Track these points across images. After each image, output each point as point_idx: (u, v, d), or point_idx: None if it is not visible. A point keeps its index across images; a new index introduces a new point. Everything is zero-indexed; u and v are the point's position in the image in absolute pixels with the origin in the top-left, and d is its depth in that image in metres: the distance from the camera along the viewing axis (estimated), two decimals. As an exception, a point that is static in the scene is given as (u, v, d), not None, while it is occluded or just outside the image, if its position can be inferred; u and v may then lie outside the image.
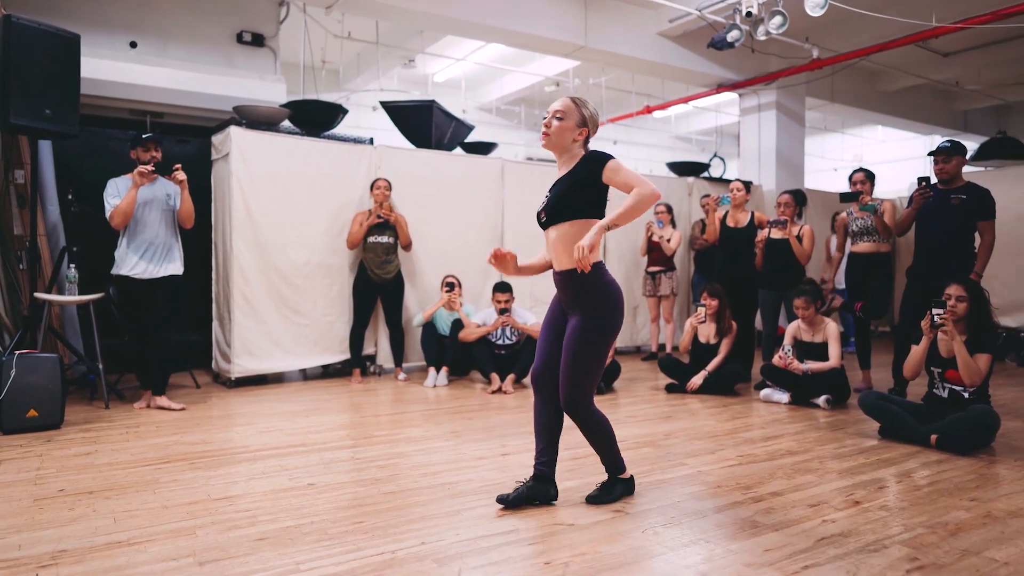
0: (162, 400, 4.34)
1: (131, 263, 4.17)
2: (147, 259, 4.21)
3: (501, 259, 2.64)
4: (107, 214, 4.13)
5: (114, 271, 4.22)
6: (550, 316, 2.64)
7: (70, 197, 5.42)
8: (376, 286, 5.43)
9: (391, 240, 5.43)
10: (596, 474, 2.97)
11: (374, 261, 5.37)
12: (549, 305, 2.68)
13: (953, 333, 3.42)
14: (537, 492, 2.59)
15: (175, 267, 4.33)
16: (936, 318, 3.45)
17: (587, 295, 2.47)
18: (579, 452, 3.34)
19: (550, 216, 2.53)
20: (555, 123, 2.51)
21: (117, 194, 4.14)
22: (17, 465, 3.08)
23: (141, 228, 4.19)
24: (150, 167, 4.08)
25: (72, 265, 4.47)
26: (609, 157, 2.46)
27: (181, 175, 4.21)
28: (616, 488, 2.69)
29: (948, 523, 2.42)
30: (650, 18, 7.35)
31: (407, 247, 5.55)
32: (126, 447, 3.41)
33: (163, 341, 4.31)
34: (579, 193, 2.46)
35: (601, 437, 2.63)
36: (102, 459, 3.19)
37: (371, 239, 5.37)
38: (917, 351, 3.65)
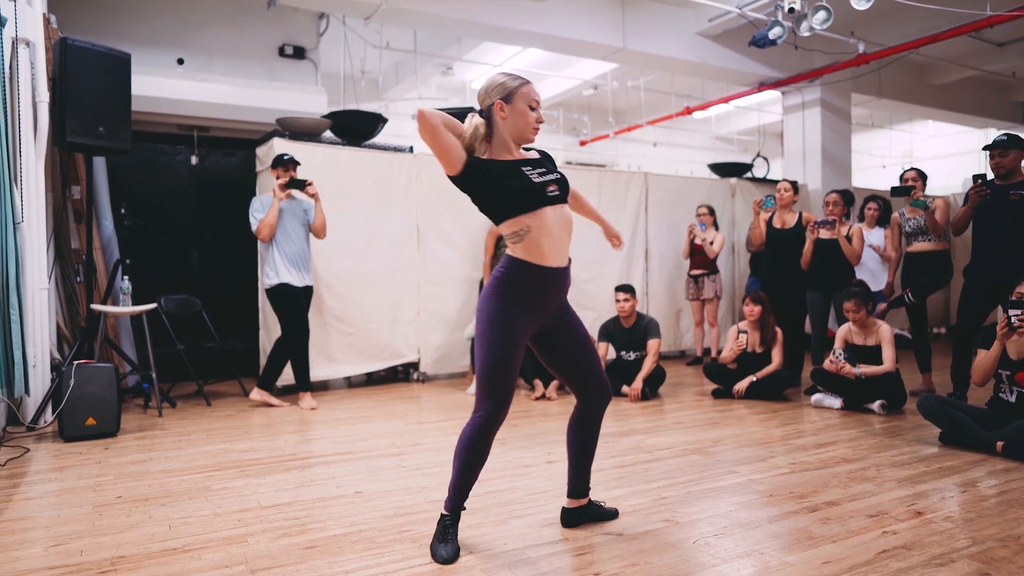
0: (308, 397, 4.72)
1: (286, 272, 4.58)
2: (296, 269, 4.63)
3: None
4: (253, 228, 4.60)
5: (269, 282, 4.60)
6: (519, 340, 2.20)
7: (123, 211, 5.59)
8: None
9: None
10: (643, 482, 2.92)
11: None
12: (493, 325, 2.18)
13: None
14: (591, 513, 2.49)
15: (311, 278, 4.80)
16: (1014, 319, 3.26)
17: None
18: (625, 460, 3.29)
19: (564, 189, 2.27)
20: None
21: (262, 208, 4.60)
22: (78, 472, 3.18)
23: (288, 240, 4.61)
24: (285, 181, 4.55)
25: (126, 277, 4.61)
26: None
27: (313, 189, 4.64)
28: None
29: (1020, 536, 2.30)
30: (689, 18, 7.25)
31: None
32: (179, 455, 3.49)
33: (305, 345, 4.72)
34: None
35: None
36: (156, 466, 3.27)
37: None
38: (989, 355, 3.45)
